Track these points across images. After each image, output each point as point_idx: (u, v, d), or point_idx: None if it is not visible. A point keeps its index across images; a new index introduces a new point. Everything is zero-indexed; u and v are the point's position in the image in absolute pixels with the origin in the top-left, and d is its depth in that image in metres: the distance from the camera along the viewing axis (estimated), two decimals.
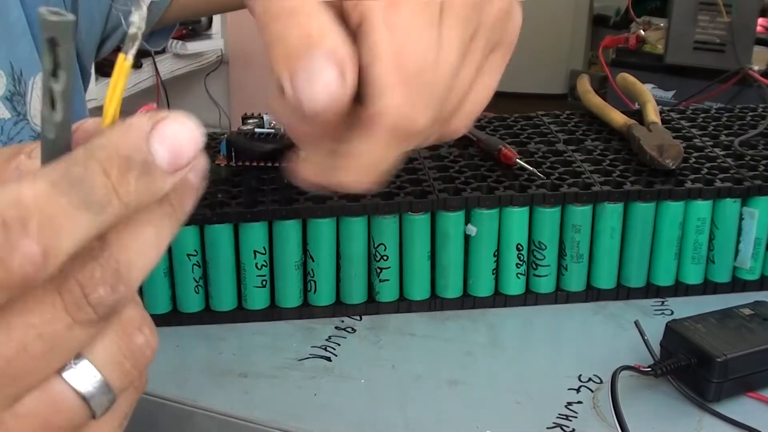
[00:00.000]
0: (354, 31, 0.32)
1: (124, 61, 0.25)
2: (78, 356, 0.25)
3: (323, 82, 0.30)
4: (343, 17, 0.32)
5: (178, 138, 0.24)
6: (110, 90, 0.25)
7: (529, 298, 0.66)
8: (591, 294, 0.67)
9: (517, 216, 0.64)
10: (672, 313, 0.65)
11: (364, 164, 0.34)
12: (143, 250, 0.25)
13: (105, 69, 1.70)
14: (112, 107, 0.25)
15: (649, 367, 0.55)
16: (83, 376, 0.25)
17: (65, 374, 0.25)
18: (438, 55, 0.32)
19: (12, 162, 0.26)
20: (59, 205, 0.22)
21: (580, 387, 0.57)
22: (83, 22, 0.60)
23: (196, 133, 0.24)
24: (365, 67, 0.32)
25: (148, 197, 0.24)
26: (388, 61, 0.31)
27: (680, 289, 0.67)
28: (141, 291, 0.63)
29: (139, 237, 0.25)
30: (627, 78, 0.87)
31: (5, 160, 0.26)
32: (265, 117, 0.70)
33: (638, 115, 0.77)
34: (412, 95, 0.32)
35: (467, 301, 0.66)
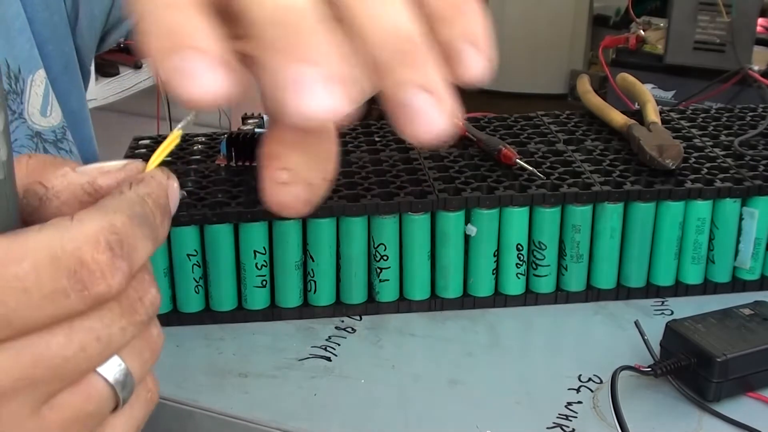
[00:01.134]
0: None
1: (177, 134, 0.30)
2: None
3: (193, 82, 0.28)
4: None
5: (176, 193, 0.30)
6: (160, 151, 0.30)
7: (529, 298, 0.66)
8: (591, 294, 0.67)
9: (517, 216, 0.64)
10: (672, 313, 0.65)
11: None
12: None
13: (105, 69, 1.70)
14: (158, 159, 0.30)
15: (649, 367, 0.55)
16: (111, 366, 0.28)
17: (99, 369, 0.27)
18: None
19: (59, 169, 0.29)
20: (138, 235, 0.27)
21: (580, 387, 0.57)
22: (83, 19, 0.60)
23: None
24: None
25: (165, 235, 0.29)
26: None
27: (680, 289, 0.67)
28: None
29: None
30: (627, 78, 0.87)
31: (52, 165, 0.30)
32: (265, 117, 0.70)
33: (638, 115, 0.77)
34: None
35: (467, 301, 0.66)
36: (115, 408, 0.28)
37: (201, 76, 0.27)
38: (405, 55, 0.26)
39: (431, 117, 0.26)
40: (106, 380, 0.28)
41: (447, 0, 0.28)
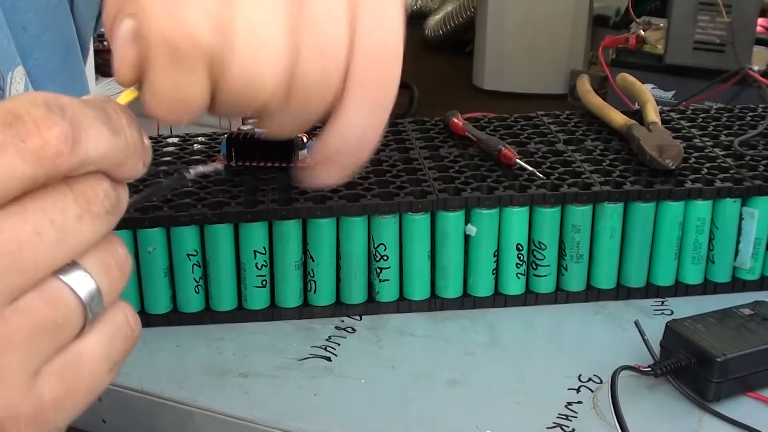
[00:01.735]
0: None
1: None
2: (72, 264, 0.28)
3: (119, 37, 0.31)
4: None
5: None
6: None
7: (529, 298, 0.66)
8: (591, 294, 0.67)
9: (517, 216, 0.64)
10: (672, 313, 0.65)
11: (159, 95, 0.32)
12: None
13: (105, 69, 1.70)
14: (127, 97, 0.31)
15: (649, 367, 0.55)
16: (78, 280, 0.28)
17: (63, 277, 0.27)
18: None
19: None
20: (87, 114, 0.26)
21: (580, 387, 0.57)
22: None
23: None
24: None
25: (138, 150, 0.29)
26: None
27: (680, 289, 0.67)
28: (140, 291, 0.63)
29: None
30: (627, 78, 0.87)
31: None
32: None
33: (638, 115, 0.77)
34: (172, 5, 0.31)
35: (467, 301, 0.66)
36: (88, 327, 0.28)
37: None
38: None
39: None
40: (70, 288, 0.27)
41: None
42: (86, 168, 0.27)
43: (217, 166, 0.34)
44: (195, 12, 0.31)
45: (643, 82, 0.87)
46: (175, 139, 0.75)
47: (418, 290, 0.65)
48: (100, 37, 1.70)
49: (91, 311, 0.28)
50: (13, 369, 0.27)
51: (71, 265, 0.28)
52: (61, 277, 0.27)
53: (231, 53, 0.31)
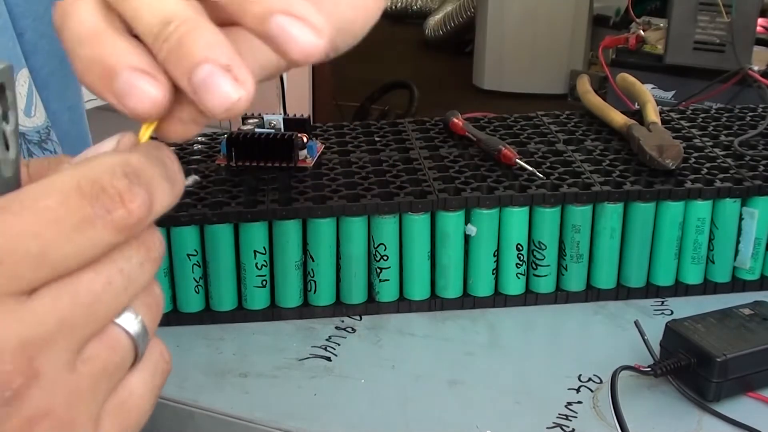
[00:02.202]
0: None
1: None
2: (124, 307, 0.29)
3: (139, 96, 0.30)
4: None
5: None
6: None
7: (529, 298, 0.66)
8: (591, 294, 0.67)
9: (517, 216, 0.64)
10: (672, 313, 0.65)
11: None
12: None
13: None
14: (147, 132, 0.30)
15: (648, 367, 0.55)
16: (129, 321, 0.29)
17: (116, 320, 0.28)
18: None
19: (59, 166, 0.30)
20: (153, 173, 0.28)
21: (580, 387, 0.57)
22: None
23: None
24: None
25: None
26: None
27: (680, 289, 0.67)
28: None
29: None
30: (627, 78, 0.87)
31: (50, 164, 0.31)
32: (265, 117, 0.71)
33: (638, 115, 0.77)
34: None
35: (467, 301, 0.66)
36: (133, 364, 0.29)
37: (141, 89, 0.28)
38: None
39: (299, 37, 0.27)
40: (125, 330, 0.28)
41: None
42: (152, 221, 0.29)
43: (195, 177, 0.35)
44: None
45: (643, 82, 0.87)
46: None
47: (418, 290, 0.65)
48: None
49: (141, 347, 0.29)
50: (84, 417, 0.28)
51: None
52: (115, 320, 0.28)
53: None
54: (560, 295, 0.67)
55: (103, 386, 0.28)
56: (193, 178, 0.35)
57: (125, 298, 0.28)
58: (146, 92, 0.29)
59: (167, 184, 0.28)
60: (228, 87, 0.27)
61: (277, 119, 0.70)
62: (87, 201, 0.26)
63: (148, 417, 0.31)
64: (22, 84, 0.56)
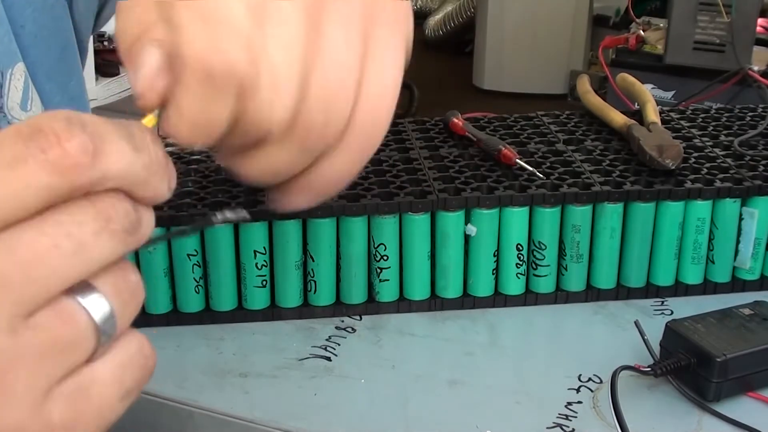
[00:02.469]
0: None
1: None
2: (86, 285, 0.27)
3: (149, 64, 0.31)
4: None
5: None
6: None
7: (529, 298, 0.66)
8: (591, 294, 0.67)
9: (517, 216, 0.64)
10: (672, 313, 0.65)
11: (185, 117, 0.33)
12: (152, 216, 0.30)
13: (105, 69, 1.70)
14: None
15: (649, 367, 0.55)
16: (92, 300, 0.27)
17: (77, 296, 0.27)
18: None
19: None
20: (109, 129, 0.27)
21: (580, 387, 0.57)
22: None
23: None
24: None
25: (162, 171, 0.30)
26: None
27: (680, 289, 0.67)
28: None
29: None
30: (627, 78, 0.87)
31: None
32: None
33: (638, 115, 0.77)
34: (211, 31, 0.31)
35: (467, 301, 0.66)
36: (102, 352, 0.28)
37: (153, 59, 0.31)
38: None
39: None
40: (84, 308, 0.27)
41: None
42: (108, 183, 0.27)
43: (245, 215, 0.35)
44: (232, 38, 0.31)
45: (643, 82, 0.87)
46: None
47: (418, 290, 0.65)
48: (100, 37, 1.70)
49: (104, 333, 0.28)
50: (24, 387, 0.26)
51: (85, 285, 0.28)
52: (74, 296, 0.27)
53: (258, 82, 0.32)
54: (560, 295, 0.67)
55: (56, 362, 0.27)
56: (242, 214, 0.36)
57: (76, 266, 0.26)
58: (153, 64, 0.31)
59: (125, 143, 0.27)
60: None
61: None
62: (21, 140, 0.25)
63: (116, 412, 0.29)
64: (18, 77, 0.55)
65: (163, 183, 0.30)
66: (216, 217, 0.35)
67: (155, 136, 0.30)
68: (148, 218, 0.30)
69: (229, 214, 0.34)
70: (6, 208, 0.25)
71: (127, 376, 0.29)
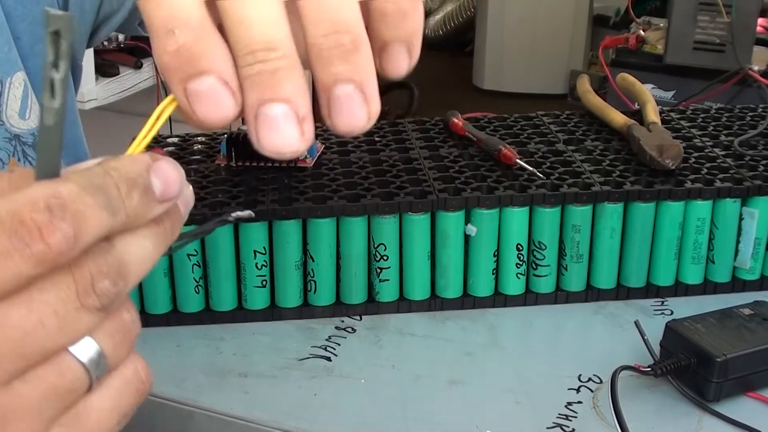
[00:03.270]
0: None
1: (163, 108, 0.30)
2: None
3: (214, 107, 0.30)
4: None
5: (169, 174, 0.30)
6: (146, 129, 0.30)
7: (529, 298, 0.66)
8: (591, 294, 0.67)
9: (517, 216, 0.64)
10: (672, 313, 0.65)
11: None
12: (140, 256, 0.30)
13: (105, 69, 1.70)
14: (143, 144, 0.30)
15: (649, 367, 0.55)
16: (81, 347, 0.29)
17: (68, 348, 0.28)
18: None
19: (2, 182, 0.29)
20: (87, 203, 0.27)
21: (580, 387, 0.57)
22: (73, 12, 0.59)
23: (181, 173, 0.30)
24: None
25: (144, 213, 0.29)
26: None
27: (680, 289, 0.67)
28: (140, 290, 0.63)
29: (139, 245, 0.30)
30: (627, 78, 0.87)
31: (32, 177, 0.30)
32: None
33: (638, 115, 0.77)
34: None
35: (467, 301, 0.66)
36: (91, 388, 0.29)
37: (219, 101, 0.29)
38: (343, 48, 0.29)
39: (356, 113, 0.30)
40: (78, 359, 0.28)
41: (395, 1, 0.30)
42: (87, 247, 0.28)
43: (251, 213, 0.35)
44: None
45: (643, 82, 0.87)
46: (176, 139, 0.75)
47: (418, 290, 0.65)
48: None
49: (95, 374, 0.29)
50: None
51: None
52: (69, 348, 0.28)
53: None
54: (560, 295, 0.67)
55: (52, 407, 0.28)
56: (249, 213, 0.36)
57: (62, 339, 0.28)
58: (223, 106, 0.29)
59: (103, 212, 0.28)
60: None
61: None
62: (5, 234, 0.26)
63: None
64: (18, 86, 0.56)
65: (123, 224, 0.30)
66: (230, 217, 0.36)
67: (135, 182, 0.29)
68: (133, 260, 0.30)
69: (240, 213, 0.34)
70: None
71: (123, 401, 0.31)
